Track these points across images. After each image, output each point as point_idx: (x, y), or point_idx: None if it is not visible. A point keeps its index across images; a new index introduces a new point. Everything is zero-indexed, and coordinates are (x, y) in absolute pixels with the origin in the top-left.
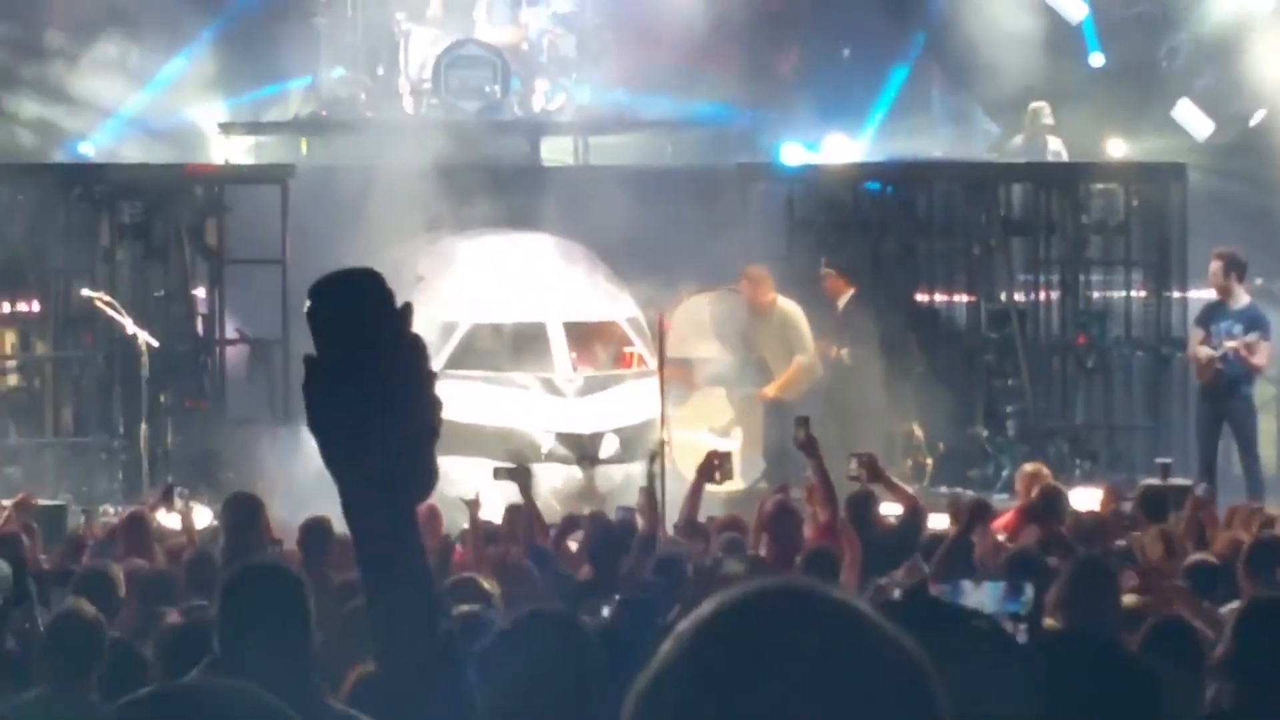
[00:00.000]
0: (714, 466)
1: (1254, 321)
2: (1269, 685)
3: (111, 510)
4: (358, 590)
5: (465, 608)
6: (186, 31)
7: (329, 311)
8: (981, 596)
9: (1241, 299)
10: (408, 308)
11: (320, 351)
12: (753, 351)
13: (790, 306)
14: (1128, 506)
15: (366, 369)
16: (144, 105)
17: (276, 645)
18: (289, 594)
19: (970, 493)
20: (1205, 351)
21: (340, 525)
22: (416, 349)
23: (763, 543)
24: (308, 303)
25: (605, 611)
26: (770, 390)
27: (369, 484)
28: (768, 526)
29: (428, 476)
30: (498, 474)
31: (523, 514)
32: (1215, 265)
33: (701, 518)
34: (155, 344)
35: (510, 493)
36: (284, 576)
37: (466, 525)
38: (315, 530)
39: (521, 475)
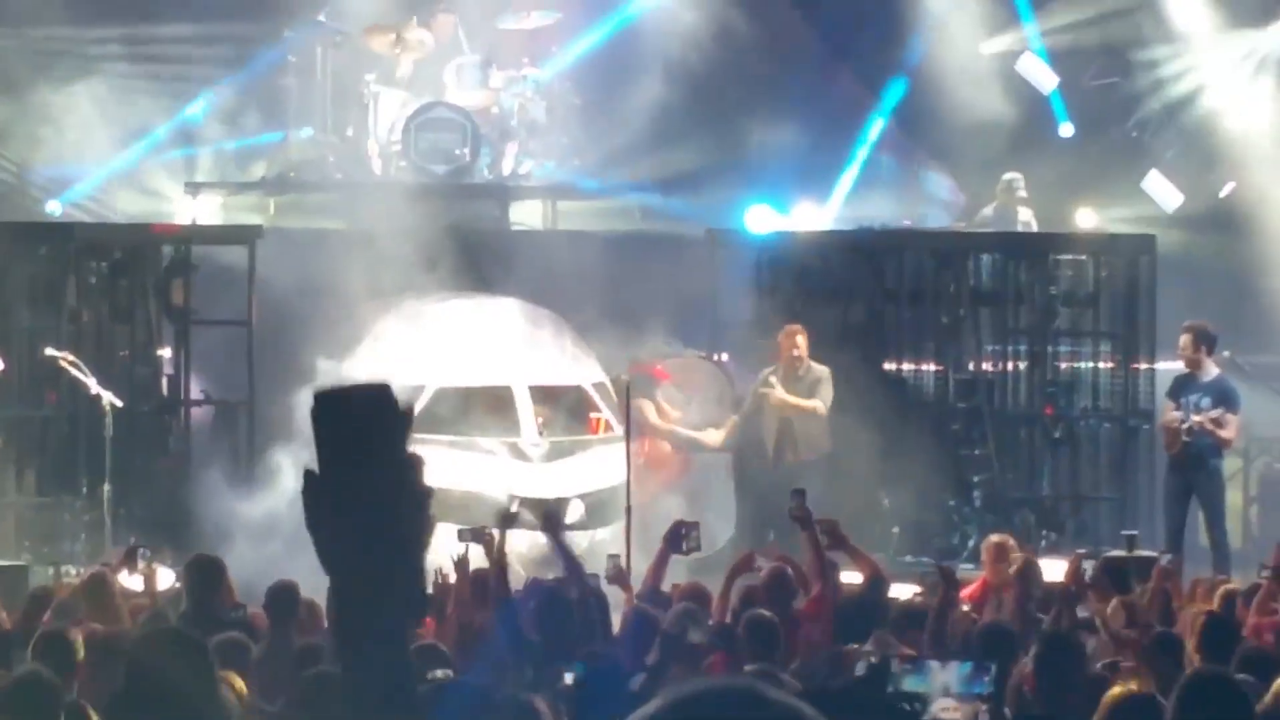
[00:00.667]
0: (681, 535)
1: (1223, 395)
2: None
3: (74, 571)
4: (320, 655)
5: (438, 673)
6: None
7: (334, 423)
8: (948, 677)
9: (1211, 371)
10: (408, 419)
11: (322, 462)
12: (785, 412)
13: (821, 368)
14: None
15: (363, 484)
16: (117, 165)
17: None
18: (193, 661)
19: (939, 563)
20: (1172, 417)
21: (306, 589)
22: (413, 467)
23: (727, 608)
24: (313, 405)
25: (568, 678)
26: (777, 393)
27: (359, 587)
28: (763, 591)
29: (419, 594)
30: (461, 536)
31: (472, 576)
32: (1185, 338)
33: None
34: (119, 403)
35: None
36: (187, 643)
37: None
38: (282, 594)
39: (485, 537)
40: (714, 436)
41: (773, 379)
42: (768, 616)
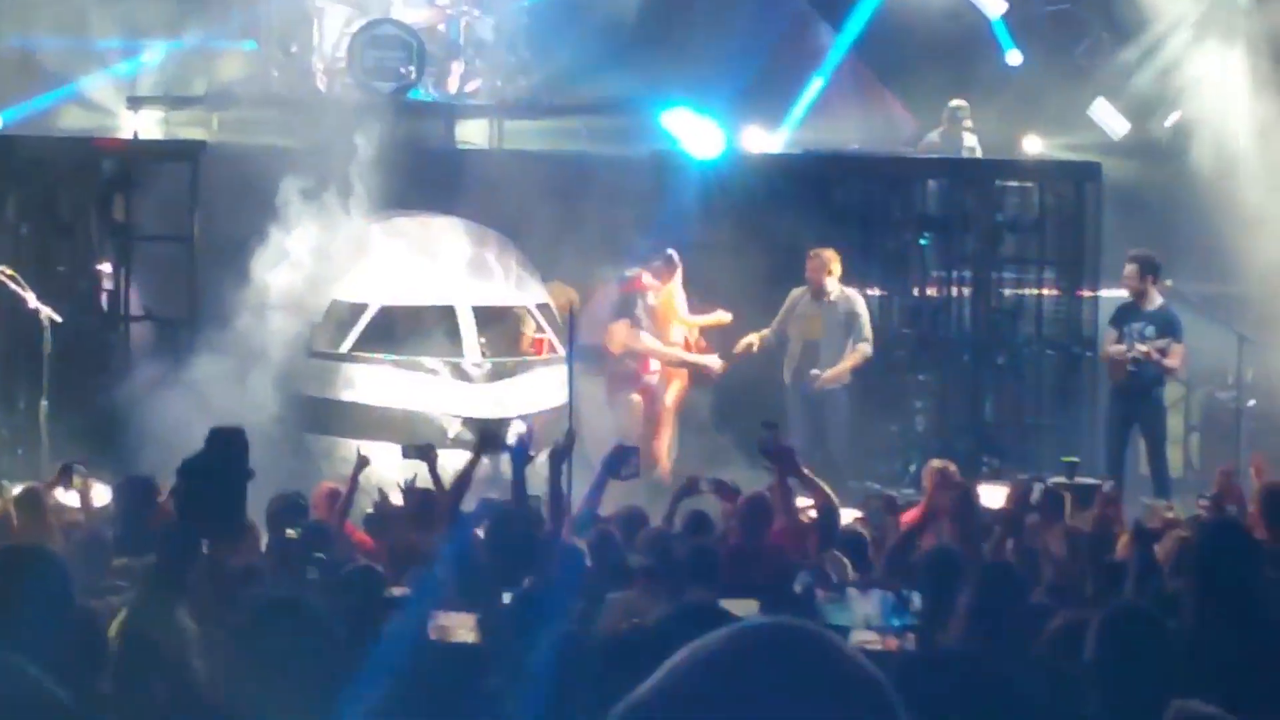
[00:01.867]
0: (620, 460)
1: (1167, 324)
2: (1127, 692)
3: (9, 486)
4: (260, 576)
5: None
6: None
7: None
8: (868, 607)
9: (1155, 300)
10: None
11: None
12: (810, 336)
13: (855, 294)
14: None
15: None
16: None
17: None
18: (49, 576)
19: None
20: (1118, 348)
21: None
22: None
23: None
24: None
25: (506, 598)
26: (829, 374)
27: None
28: (740, 519)
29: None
30: (406, 452)
31: (419, 496)
32: (1130, 268)
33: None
34: (58, 319)
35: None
36: (43, 558)
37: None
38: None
39: (430, 453)
40: (717, 362)
41: (807, 310)
42: (707, 544)
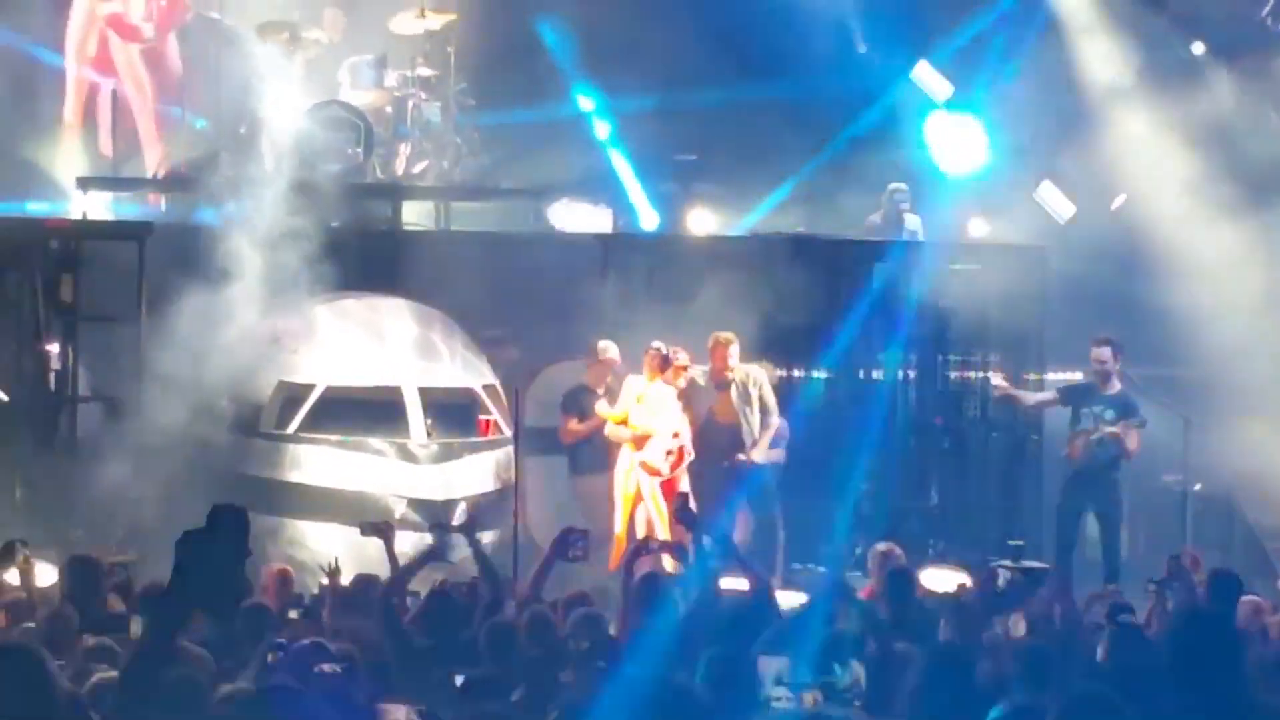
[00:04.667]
0: (569, 543)
1: (1127, 407)
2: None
3: None
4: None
5: (327, 667)
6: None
7: None
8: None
9: (1114, 385)
10: None
11: None
12: (724, 419)
13: (754, 368)
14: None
15: None
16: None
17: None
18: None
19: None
20: (1080, 441)
21: None
22: None
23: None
24: None
25: (458, 680)
26: (756, 454)
27: None
28: (637, 598)
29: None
30: (364, 530)
31: (372, 581)
32: (1104, 350)
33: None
34: (4, 398)
35: (362, 559)
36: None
37: (316, 590)
38: (152, 594)
39: (387, 531)
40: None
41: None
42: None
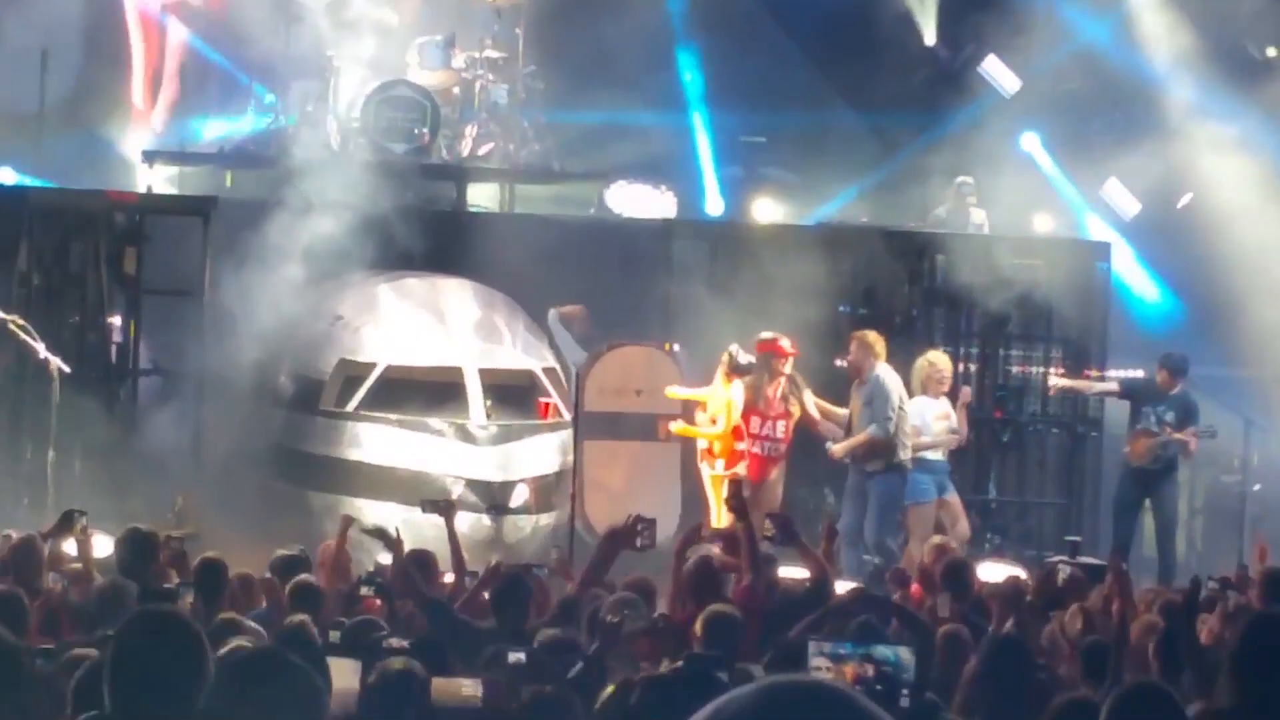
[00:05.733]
0: (636, 532)
1: (1187, 410)
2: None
3: (14, 536)
4: (240, 628)
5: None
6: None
7: None
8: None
9: (1176, 385)
10: None
11: None
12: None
13: (888, 375)
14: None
15: None
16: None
17: (168, 697)
18: (184, 644)
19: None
20: (1147, 430)
21: (245, 564)
22: None
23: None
24: None
25: (511, 658)
26: (838, 449)
27: None
28: (688, 584)
29: None
30: (425, 507)
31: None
32: (1162, 374)
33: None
34: (67, 369)
35: (419, 538)
36: (179, 626)
37: (372, 567)
38: (208, 569)
39: (448, 510)
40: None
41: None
42: (727, 613)
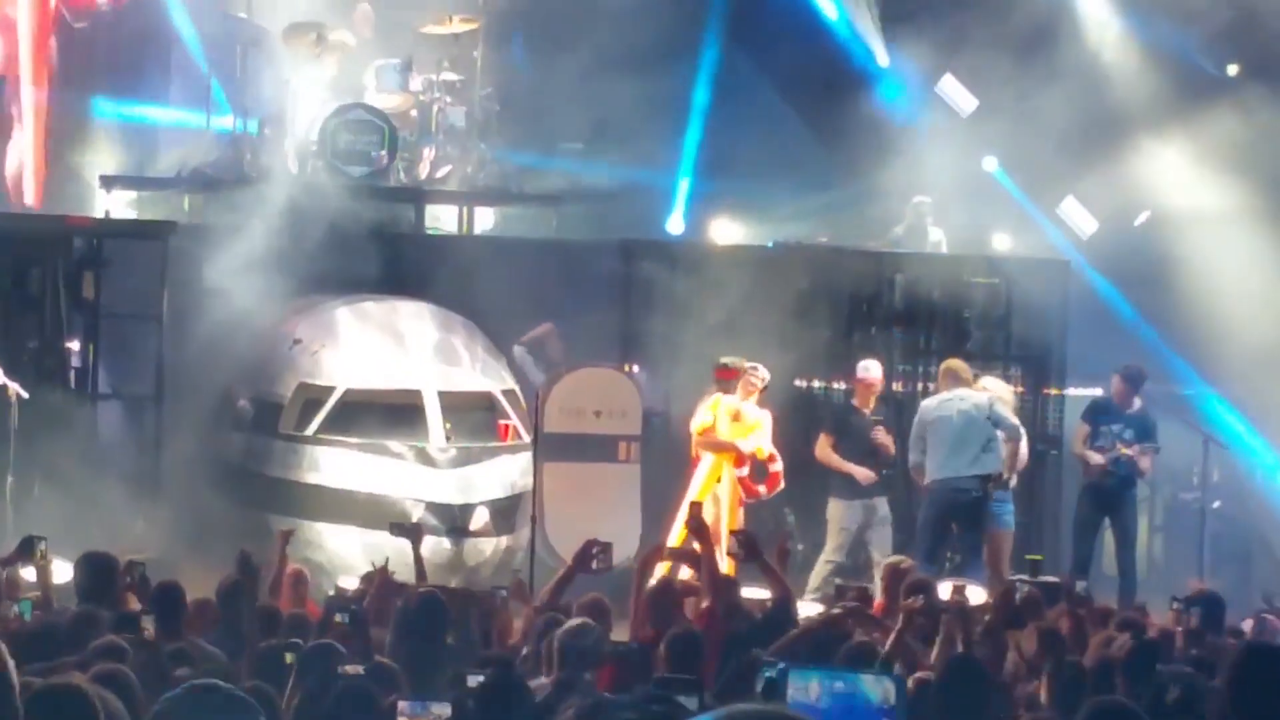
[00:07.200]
0: (592, 555)
1: (1145, 429)
2: None
3: None
4: (188, 658)
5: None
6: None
7: None
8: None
9: (1134, 404)
10: None
11: None
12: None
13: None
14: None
15: None
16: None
17: None
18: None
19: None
20: (1096, 457)
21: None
22: None
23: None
24: None
25: (471, 681)
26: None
27: None
28: (648, 606)
29: None
30: (394, 530)
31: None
32: (1117, 384)
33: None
34: (25, 395)
35: (380, 562)
36: (78, 701)
37: (332, 591)
38: (166, 593)
39: (416, 534)
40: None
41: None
42: (692, 632)
